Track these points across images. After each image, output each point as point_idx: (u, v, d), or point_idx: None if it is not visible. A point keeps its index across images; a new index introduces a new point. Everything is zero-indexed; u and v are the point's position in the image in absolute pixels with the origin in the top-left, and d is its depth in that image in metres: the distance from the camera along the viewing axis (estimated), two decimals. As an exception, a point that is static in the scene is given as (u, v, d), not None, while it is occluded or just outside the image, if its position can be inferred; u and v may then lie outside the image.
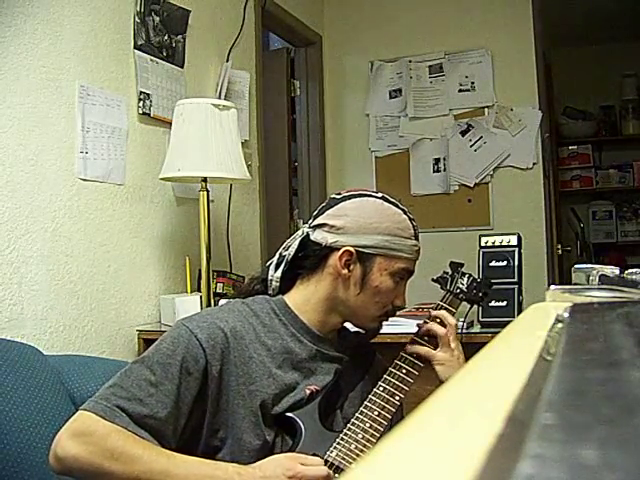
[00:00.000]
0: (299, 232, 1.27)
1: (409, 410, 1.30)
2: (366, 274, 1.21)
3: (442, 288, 1.36)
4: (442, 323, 1.30)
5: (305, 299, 1.25)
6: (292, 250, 1.26)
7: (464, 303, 1.39)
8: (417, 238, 1.25)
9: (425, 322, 1.31)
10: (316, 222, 1.25)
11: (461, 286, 1.34)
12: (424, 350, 1.26)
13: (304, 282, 1.26)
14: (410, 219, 1.25)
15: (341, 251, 1.20)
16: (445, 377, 1.24)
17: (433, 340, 1.29)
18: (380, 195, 1.25)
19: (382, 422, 1.18)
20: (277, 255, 1.29)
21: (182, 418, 1.10)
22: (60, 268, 2.02)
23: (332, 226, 1.22)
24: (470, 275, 1.37)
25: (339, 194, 1.27)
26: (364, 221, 1.21)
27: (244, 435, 1.13)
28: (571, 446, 0.21)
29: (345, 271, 1.20)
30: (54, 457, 1.04)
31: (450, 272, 1.37)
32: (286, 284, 1.28)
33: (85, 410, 1.06)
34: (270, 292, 1.28)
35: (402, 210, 1.24)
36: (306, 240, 1.25)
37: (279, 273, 1.27)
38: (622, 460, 0.20)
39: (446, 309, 1.32)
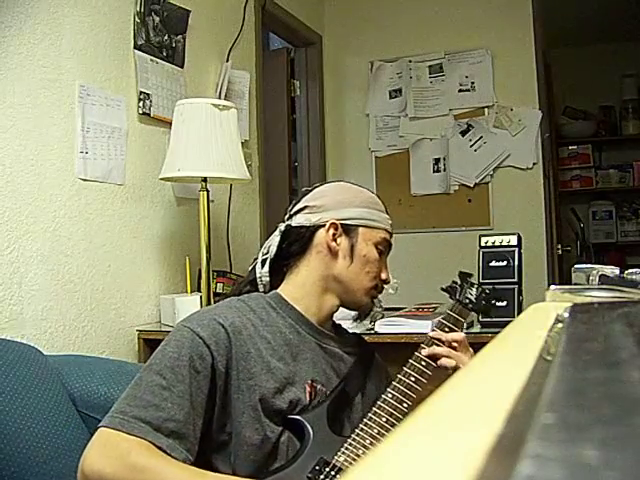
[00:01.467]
0: (276, 232, 1.31)
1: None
2: (353, 245, 1.27)
3: (451, 298, 1.36)
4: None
5: (299, 286, 1.27)
6: (275, 243, 1.29)
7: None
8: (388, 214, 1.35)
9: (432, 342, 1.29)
10: (295, 209, 1.30)
11: (470, 296, 1.35)
12: (450, 363, 1.24)
13: (294, 271, 1.29)
14: (378, 197, 1.34)
15: (327, 225, 1.26)
16: None
17: (430, 366, 1.26)
18: (348, 181, 1.37)
19: (390, 429, 1.18)
20: (259, 256, 1.32)
21: (199, 418, 1.11)
22: (60, 268, 2.02)
23: (312, 206, 1.28)
24: (479, 286, 1.37)
25: (310, 186, 1.36)
26: (341, 197, 1.29)
27: (243, 430, 1.13)
28: (571, 446, 0.21)
29: (334, 244, 1.26)
30: (82, 475, 1.05)
31: (459, 282, 1.37)
32: (276, 280, 1.31)
33: (104, 427, 1.06)
34: (261, 289, 1.31)
35: (369, 190, 1.35)
36: (288, 230, 1.29)
37: (267, 268, 1.30)
38: (622, 460, 0.20)
39: (455, 318, 1.32)
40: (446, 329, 1.30)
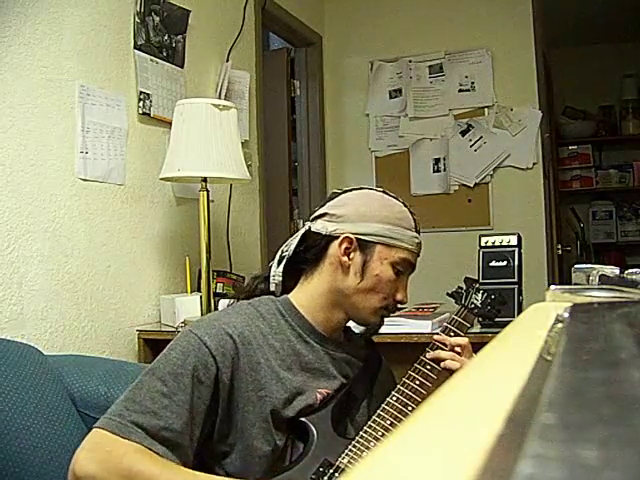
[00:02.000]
0: (301, 230, 1.27)
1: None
2: (366, 262, 1.20)
3: (457, 303, 1.36)
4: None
5: (309, 295, 1.24)
6: (294, 244, 1.25)
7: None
8: (418, 232, 1.26)
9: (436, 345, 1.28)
10: (317, 214, 1.26)
11: (475, 302, 1.34)
12: (451, 363, 1.23)
13: (308, 277, 1.25)
14: (410, 212, 1.26)
15: (340, 238, 1.20)
16: None
17: (435, 370, 1.25)
18: (381, 190, 1.27)
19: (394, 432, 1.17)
20: (279, 253, 1.29)
21: (197, 428, 1.09)
22: (60, 268, 2.02)
23: (332, 215, 1.22)
24: (485, 291, 1.37)
25: (340, 189, 1.29)
26: (364, 209, 1.22)
27: (254, 441, 1.12)
28: (571, 446, 0.21)
29: (345, 259, 1.20)
30: (72, 476, 1.03)
31: (465, 287, 1.37)
32: (290, 282, 1.27)
33: (99, 428, 1.05)
34: (273, 288, 1.27)
35: (402, 203, 1.26)
36: (307, 233, 1.25)
37: (281, 268, 1.26)
38: (622, 460, 0.20)
39: (460, 323, 1.32)
40: (451, 333, 1.29)
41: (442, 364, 1.24)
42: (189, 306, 2.24)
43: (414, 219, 1.26)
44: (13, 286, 1.86)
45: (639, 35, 4.56)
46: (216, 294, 2.41)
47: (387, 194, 1.26)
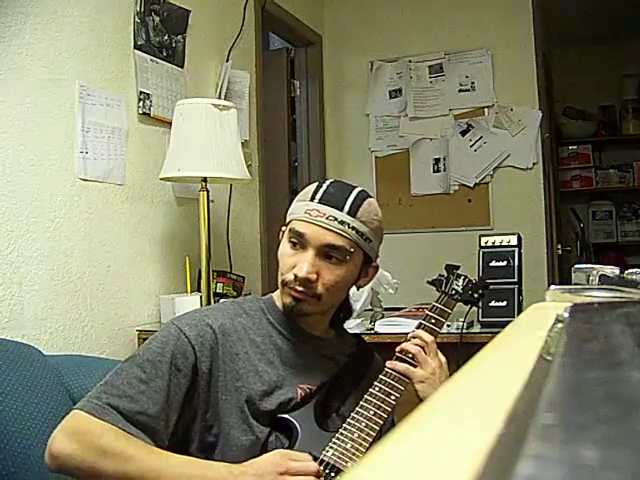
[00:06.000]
0: None
1: (407, 411, 1.28)
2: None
3: (437, 290, 1.36)
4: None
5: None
6: None
7: (461, 305, 1.39)
8: (320, 201, 1.17)
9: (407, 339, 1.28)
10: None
11: (456, 287, 1.34)
12: (403, 368, 1.22)
13: None
14: (320, 184, 1.21)
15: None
16: (424, 396, 1.19)
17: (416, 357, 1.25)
18: (333, 179, 1.25)
19: (378, 421, 1.18)
20: None
21: (173, 414, 1.12)
22: (60, 268, 2.02)
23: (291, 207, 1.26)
24: (466, 277, 1.37)
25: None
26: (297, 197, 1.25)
27: (232, 430, 1.14)
28: (571, 446, 0.21)
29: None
30: (49, 455, 1.06)
31: (446, 274, 1.37)
32: None
33: (77, 409, 1.08)
34: None
35: (325, 180, 1.23)
36: None
37: None
38: (622, 460, 0.20)
39: (441, 310, 1.32)
40: (432, 320, 1.29)
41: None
42: (189, 306, 2.23)
43: (317, 188, 1.19)
44: (13, 286, 1.86)
45: (639, 35, 4.56)
46: (216, 294, 2.41)
47: (330, 180, 1.23)
